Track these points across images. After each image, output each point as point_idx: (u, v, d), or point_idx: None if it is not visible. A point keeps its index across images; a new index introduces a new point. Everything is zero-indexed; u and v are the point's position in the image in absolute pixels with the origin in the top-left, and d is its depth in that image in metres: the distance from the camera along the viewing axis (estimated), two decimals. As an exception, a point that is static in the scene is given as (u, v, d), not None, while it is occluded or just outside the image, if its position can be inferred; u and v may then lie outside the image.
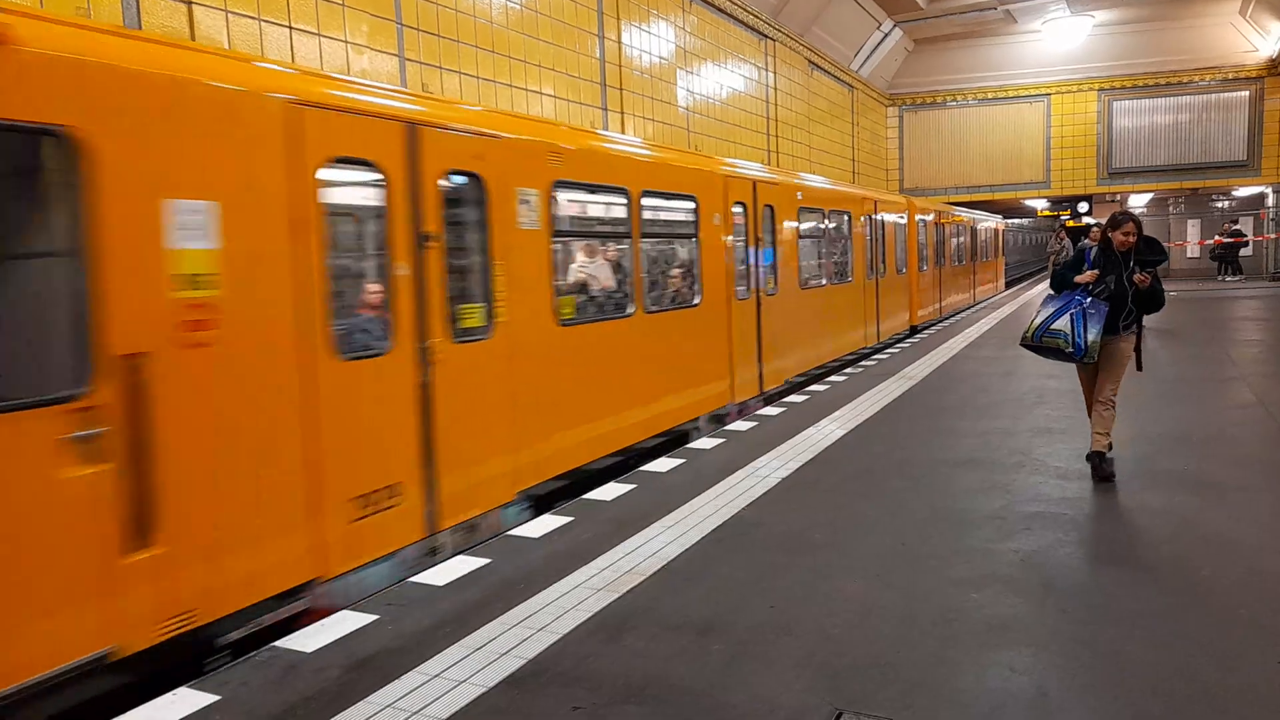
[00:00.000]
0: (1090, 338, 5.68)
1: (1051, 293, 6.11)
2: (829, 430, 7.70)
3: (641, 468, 6.70)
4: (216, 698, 3.41)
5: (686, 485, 6.10)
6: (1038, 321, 5.92)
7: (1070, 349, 5.75)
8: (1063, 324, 5.79)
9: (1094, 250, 6.01)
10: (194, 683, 3.54)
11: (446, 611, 4.15)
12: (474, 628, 3.95)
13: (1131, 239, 5.77)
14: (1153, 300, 5.85)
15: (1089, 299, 5.78)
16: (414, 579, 4.59)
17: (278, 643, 3.89)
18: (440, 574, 4.63)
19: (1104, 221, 6.28)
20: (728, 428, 8.05)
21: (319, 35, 7.90)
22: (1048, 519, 5.08)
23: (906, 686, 3.28)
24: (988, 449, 6.79)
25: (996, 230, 27.69)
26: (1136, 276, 5.71)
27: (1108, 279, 5.78)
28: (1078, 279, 5.89)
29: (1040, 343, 5.90)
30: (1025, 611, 3.88)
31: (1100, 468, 5.83)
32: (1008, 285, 31.76)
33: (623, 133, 12.80)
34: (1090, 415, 6.10)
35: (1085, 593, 4.07)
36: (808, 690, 3.27)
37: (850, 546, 4.82)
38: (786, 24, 18.59)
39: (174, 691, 3.48)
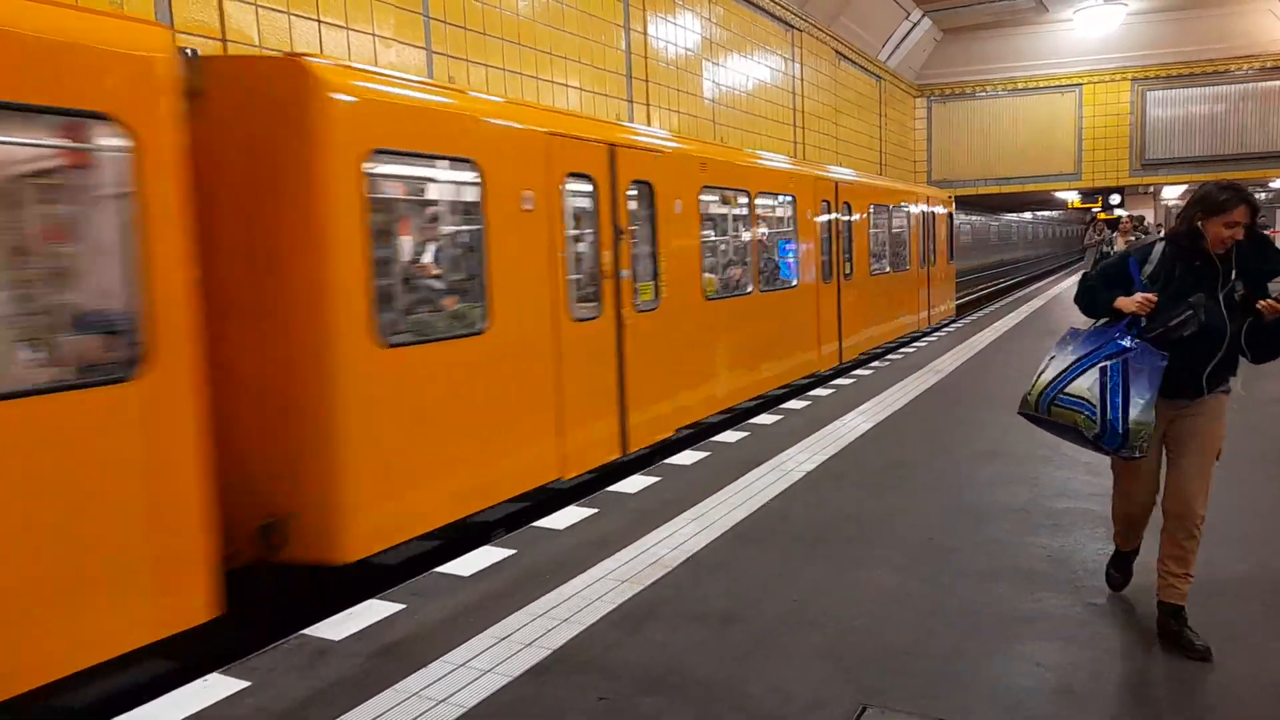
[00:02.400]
0: (1134, 415, 3.31)
1: (1075, 328, 3.69)
2: (855, 423, 7.67)
3: (665, 460, 6.72)
4: (247, 683, 3.46)
5: (711, 478, 6.11)
6: (1047, 376, 3.59)
7: (1097, 431, 3.38)
8: (1085, 386, 3.43)
9: (1157, 253, 3.56)
10: (224, 669, 3.60)
11: (471, 601, 4.19)
12: (499, 617, 3.98)
13: (1239, 234, 3.39)
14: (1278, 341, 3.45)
15: (1134, 342, 3.40)
16: (440, 569, 4.63)
17: (306, 630, 3.94)
18: (465, 564, 4.67)
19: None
20: (751, 422, 8.03)
21: (347, 28, 7.96)
22: (1075, 514, 5.03)
23: (930, 680, 3.27)
24: (1015, 442, 6.72)
25: (930, 218, 16.35)
26: (1264, 303, 3.33)
27: (1194, 302, 3.36)
28: (1122, 305, 3.48)
29: (1048, 415, 3.59)
30: (1052, 607, 3.85)
31: (1187, 640, 3.41)
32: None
33: (648, 124, 12.79)
34: (1124, 539, 3.88)
35: (1120, 592, 4.03)
36: (830, 682, 3.27)
37: (875, 539, 4.80)
38: (813, 14, 18.44)
39: (205, 678, 3.54)
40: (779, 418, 8.12)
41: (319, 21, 7.65)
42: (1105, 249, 12.14)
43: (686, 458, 6.73)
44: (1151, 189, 26.28)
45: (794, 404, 8.79)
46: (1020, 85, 25.37)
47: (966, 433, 7.22)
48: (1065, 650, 3.46)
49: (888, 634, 3.65)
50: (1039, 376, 3.65)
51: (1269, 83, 23.30)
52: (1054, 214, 47.11)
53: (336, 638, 3.85)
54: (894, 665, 3.39)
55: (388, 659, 3.64)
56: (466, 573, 4.57)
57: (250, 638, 4.18)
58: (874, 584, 4.19)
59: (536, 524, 5.32)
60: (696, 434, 7.87)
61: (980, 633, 3.64)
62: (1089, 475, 5.77)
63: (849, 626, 3.74)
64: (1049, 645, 3.51)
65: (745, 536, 4.94)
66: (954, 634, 3.63)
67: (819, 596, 4.07)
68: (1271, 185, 26.55)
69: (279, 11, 7.30)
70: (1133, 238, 11.88)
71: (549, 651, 3.63)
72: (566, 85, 11.18)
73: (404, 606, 4.16)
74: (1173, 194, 27.98)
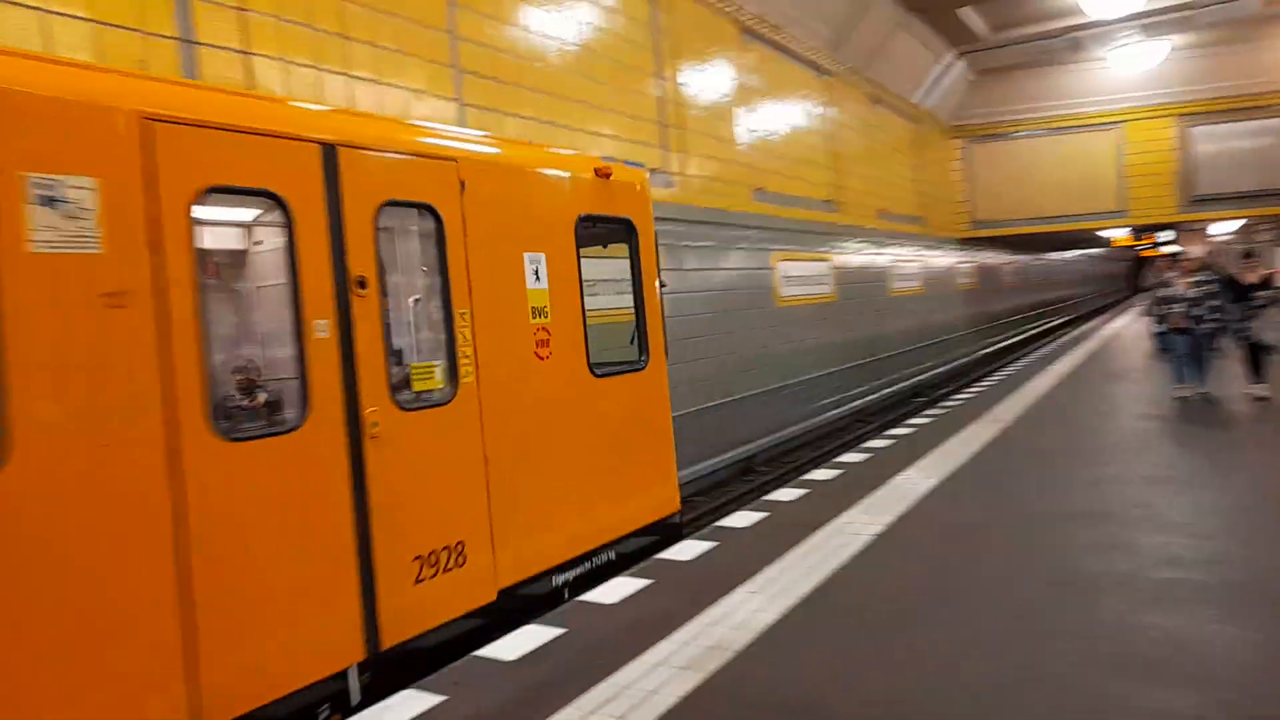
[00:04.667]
0: None
1: None
2: (918, 480, 7.16)
3: (719, 523, 6.26)
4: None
5: (769, 542, 5.64)
6: None
7: None
8: None
9: None
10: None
11: (516, 692, 3.76)
12: (546, 713, 3.55)
13: None
14: None
15: None
16: (481, 653, 4.22)
17: (335, 729, 3.55)
18: (509, 647, 4.24)
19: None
20: (806, 477, 7.56)
21: (378, 83, 7.81)
22: (1186, 587, 4.48)
23: (1060, 801, 2.77)
24: (1102, 501, 6.18)
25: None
26: None
27: None
28: None
29: None
30: (1183, 708, 3.32)
31: None
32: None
33: (682, 172, 12.56)
34: None
35: (1256, 686, 3.48)
36: (940, 804, 2.78)
37: (961, 618, 4.29)
38: (846, 59, 18.28)
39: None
40: (837, 473, 7.64)
41: (348, 76, 7.49)
42: (1164, 291, 10.98)
43: (742, 519, 6.27)
44: (1204, 225, 25.54)
45: (851, 457, 8.31)
46: (1058, 124, 24.97)
47: (1045, 490, 6.68)
48: (1213, 760, 2.94)
49: (998, 738, 3.15)
50: None
51: (1320, 115, 22.68)
52: (1098, 251, 46.26)
53: (369, 738, 3.45)
54: (1012, 780, 2.89)
55: (424, 767, 3.21)
56: (510, 656, 4.15)
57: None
58: (968, 672, 3.69)
59: (585, 598, 4.89)
60: (754, 491, 7.41)
61: (1106, 736, 3.12)
62: (1190, 539, 5.23)
63: (950, 727, 3.25)
64: (1192, 753, 2.99)
65: (815, 612, 4.46)
66: (1075, 738, 3.12)
67: (907, 686, 3.58)
68: (1325, 219, 25.72)
69: (306, 67, 7.14)
70: (1200, 279, 10.68)
71: (606, 759, 3.18)
72: (599, 134, 10.98)
73: (444, 699, 3.74)
74: (1222, 230, 27.23)
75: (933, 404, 11.96)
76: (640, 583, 5.05)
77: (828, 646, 4.04)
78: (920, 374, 21.13)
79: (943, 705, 3.42)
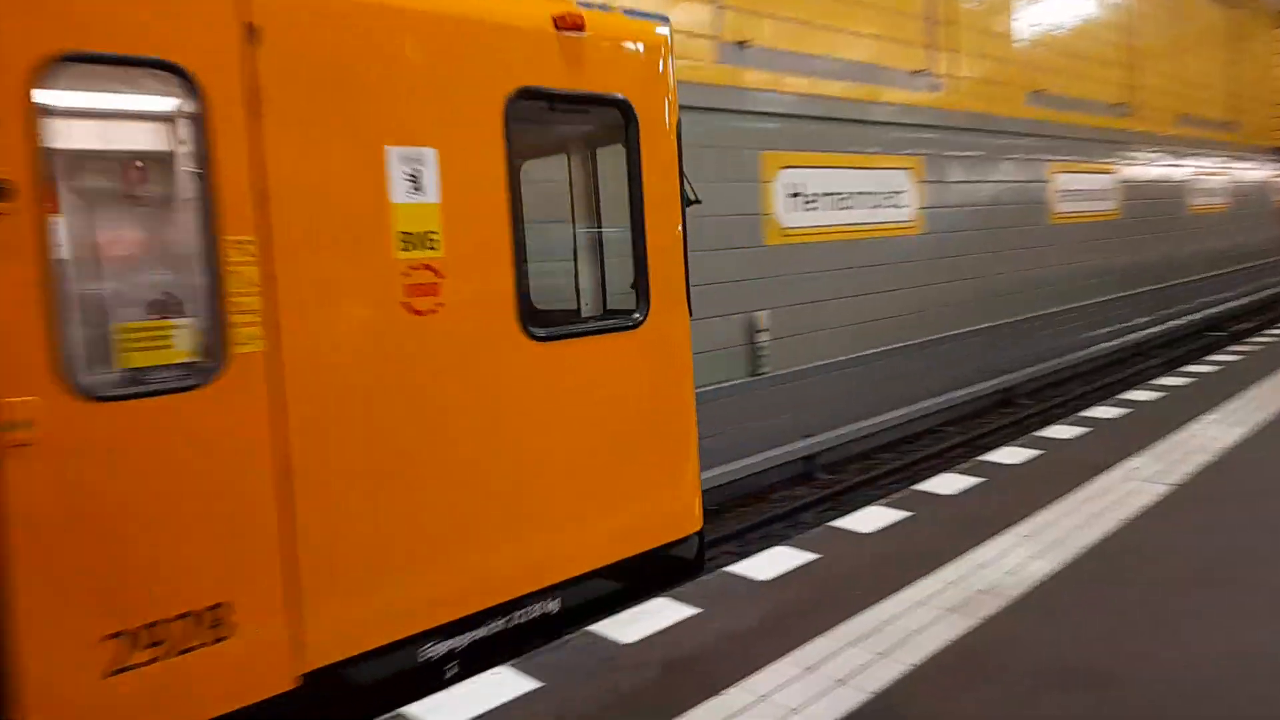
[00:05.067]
0: None
1: None
2: (1221, 427, 6.28)
3: (982, 457, 5.86)
4: (540, 684, 3.25)
5: (1044, 483, 5.19)
6: None
7: None
8: None
9: None
10: (515, 663, 3.43)
11: (771, 612, 3.73)
12: (802, 639, 3.48)
13: None
14: None
15: None
16: (732, 569, 4.23)
17: (594, 628, 3.70)
18: (762, 567, 4.22)
19: None
20: (1085, 414, 6.88)
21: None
22: None
23: None
24: None
25: None
26: None
27: None
28: None
29: None
30: None
31: None
32: None
33: (951, 74, 11.55)
34: None
35: None
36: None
37: (1273, 588, 3.72)
38: (1155, -65, 15.85)
39: (496, 670, 3.39)
40: (1124, 411, 6.88)
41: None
42: None
43: (1012, 455, 5.82)
44: None
45: (1139, 394, 7.44)
46: None
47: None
48: None
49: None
50: None
51: None
52: None
53: (624, 640, 3.56)
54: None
55: (680, 676, 3.27)
56: (762, 576, 4.13)
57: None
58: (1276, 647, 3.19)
59: (836, 524, 4.76)
60: (1015, 426, 6.87)
61: None
62: None
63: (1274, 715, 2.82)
64: None
65: (1100, 567, 4.05)
66: None
67: (1219, 664, 3.14)
68: None
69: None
70: None
71: (868, 696, 3.07)
72: (859, 34, 10.28)
73: (699, 611, 3.79)
74: None
75: (1236, 339, 10.43)
76: (897, 514, 4.83)
77: (1113, 608, 3.64)
78: (1221, 304, 18.59)
79: (1255, 689, 2.98)
